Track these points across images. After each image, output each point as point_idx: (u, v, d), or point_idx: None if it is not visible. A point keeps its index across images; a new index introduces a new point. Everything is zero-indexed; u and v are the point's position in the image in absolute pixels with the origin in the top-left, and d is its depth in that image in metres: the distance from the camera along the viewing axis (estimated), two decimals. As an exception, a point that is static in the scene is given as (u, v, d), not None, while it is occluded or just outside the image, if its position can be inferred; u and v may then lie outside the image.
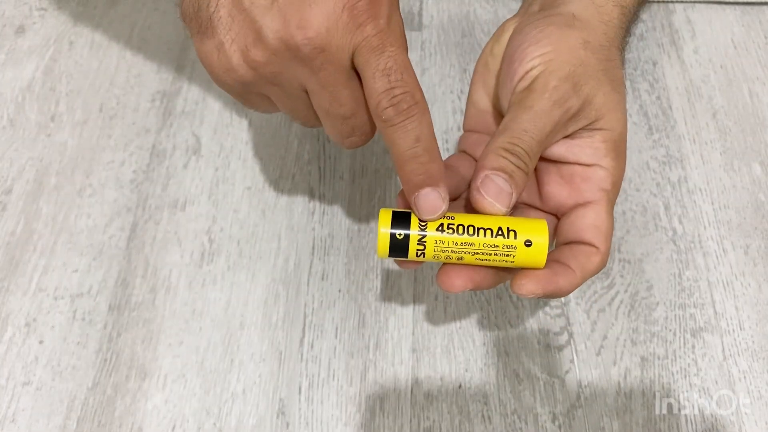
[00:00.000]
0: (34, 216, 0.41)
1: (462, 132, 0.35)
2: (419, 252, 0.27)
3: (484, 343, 0.37)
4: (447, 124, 0.45)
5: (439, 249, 0.27)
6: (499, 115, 0.33)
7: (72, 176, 0.43)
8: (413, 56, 0.48)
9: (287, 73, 0.27)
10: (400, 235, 0.27)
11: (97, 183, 0.43)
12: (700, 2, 0.51)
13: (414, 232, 0.27)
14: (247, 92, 0.29)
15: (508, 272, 0.29)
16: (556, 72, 0.28)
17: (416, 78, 0.27)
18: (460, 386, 0.36)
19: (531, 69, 0.29)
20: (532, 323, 0.38)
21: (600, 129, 0.29)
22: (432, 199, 0.27)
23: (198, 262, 0.40)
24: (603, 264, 0.29)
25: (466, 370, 0.36)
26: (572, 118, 0.29)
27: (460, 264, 0.28)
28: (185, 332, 0.37)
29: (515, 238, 0.27)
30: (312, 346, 0.37)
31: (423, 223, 0.27)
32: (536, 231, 0.27)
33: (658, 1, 0.51)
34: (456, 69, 0.47)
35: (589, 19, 0.31)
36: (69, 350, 0.37)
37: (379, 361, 0.37)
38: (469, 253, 0.27)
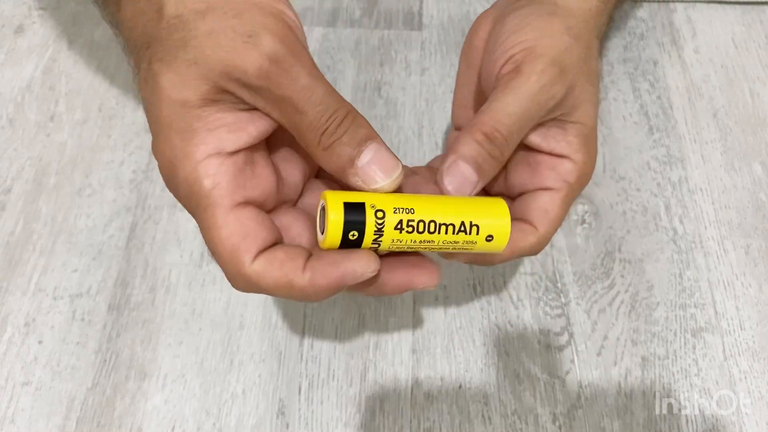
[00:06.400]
0: (33, 216, 0.41)
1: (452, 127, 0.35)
2: (373, 248, 0.25)
3: (484, 344, 0.37)
4: (447, 124, 0.45)
5: (395, 245, 0.25)
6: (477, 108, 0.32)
7: (71, 176, 0.43)
8: (413, 56, 0.48)
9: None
10: (353, 235, 0.24)
11: (96, 183, 0.42)
12: (700, 2, 0.51)
13: (369, 231, 0.24)
14: None
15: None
16: (542, 56, 0.27)
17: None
18: (460, 386, 0.36)
19: (514, 55, 0.28)
20: (532, 323, 0.38)
21: (573, 122, 0.29)
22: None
23: (198, 262, 0.40)
24: (537, 247, 0.29)
25: (466, 371, 0.36)
26: (555, 105, 0.27)
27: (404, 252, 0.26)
28: (185, 332, 0.37)
29: (477, 233, 0.25)
30: (312, 346, 0.37)
31: (380, 220, 0.24)
32: (499, 226, 0.25)
33: (658, 1, 0.51)
34: (456, 69, 0.47)
35: (571, 6, 0.30)
36: (68, 350, 0.37)
37: (379, 362, 0.36)
38: (426, 249, 0.25)
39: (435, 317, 0.38)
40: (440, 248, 0.26)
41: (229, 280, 0.25)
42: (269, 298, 0.38)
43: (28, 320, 0.38)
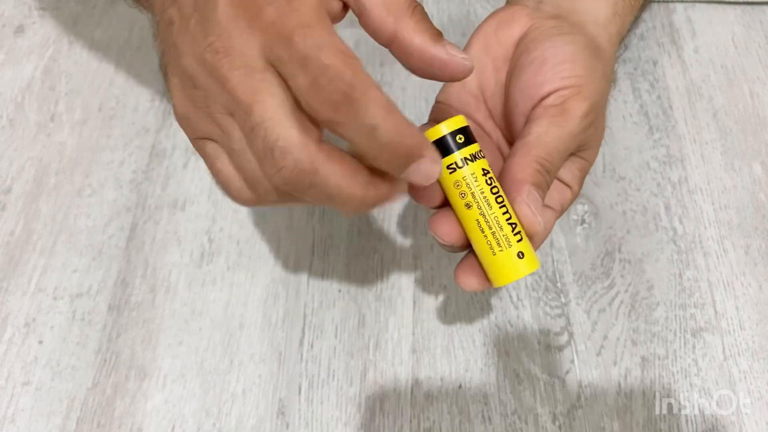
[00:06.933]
0: (33, 216, 0.41)
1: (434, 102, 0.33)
2: (457, 165, 0.27)
3: (484, 344, 0.37)
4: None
5: (467, 181, 0.27)
6: (482, 99, 0.32)
7: (71, 176, 0.43)
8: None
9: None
10: (459, 138, 0.26)
11: (96, 183, 0.42)
12: (700, 2, 0.51)
13: (470, 150, 0.27)
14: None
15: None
16: (587, 99, 0.29)
17: (344, 53, 0.22)
18: (460, 386, 0.36)
19: (563, 88, 0.29)
20: (532, 323, 0.38)
21: (582, 158, 0.31)
22: (424, 169, 0.23)
23: (198, 262, 0.40)
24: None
25: (466, 371, 0.36)
26: (583, 144, 0.30)
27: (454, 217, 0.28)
28: (185, 332, 0.37)
29: (517, 242, 0.27)
30: (312, 347, 0.37)
31: (480, 153, 0.27)
32: (531, 258, 0.27)
33: (658, 1, 0.51)
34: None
35: (605, 47, 0.32)
36: (68, 350, 0.37)
37: (379, 362, 0.36)
38: (480, 209, 0.27)
39: (435, 317, 0.38)
40: (487, 223, 0.27)
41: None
42: (268, 298, 0.38)
43: (28, 320, 0.38)
